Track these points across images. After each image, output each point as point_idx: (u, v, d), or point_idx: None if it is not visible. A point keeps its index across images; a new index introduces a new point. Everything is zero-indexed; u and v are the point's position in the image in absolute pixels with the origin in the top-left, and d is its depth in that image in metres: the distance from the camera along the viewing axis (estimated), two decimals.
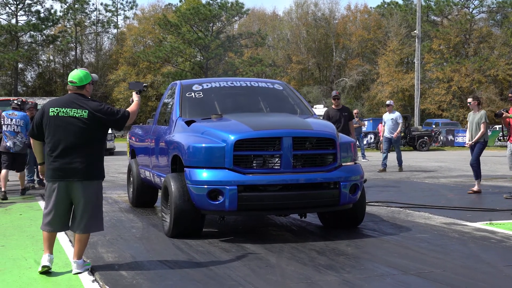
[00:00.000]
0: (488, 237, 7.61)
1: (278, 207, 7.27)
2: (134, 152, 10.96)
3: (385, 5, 71.26)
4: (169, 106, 9.20)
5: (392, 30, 63.30)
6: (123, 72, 67.47)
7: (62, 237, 7.68)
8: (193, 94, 8.88)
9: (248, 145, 7.09)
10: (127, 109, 6.22)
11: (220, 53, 58.64)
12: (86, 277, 5.73)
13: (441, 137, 38.57)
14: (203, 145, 7.18)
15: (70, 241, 7.44)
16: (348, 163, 7.61)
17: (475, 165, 12.25)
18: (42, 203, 10.95)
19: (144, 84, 6.99)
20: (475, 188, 12.27)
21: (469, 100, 12.74)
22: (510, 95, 11.62)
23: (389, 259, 6.40)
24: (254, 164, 7.12)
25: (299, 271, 5.87)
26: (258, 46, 63.76)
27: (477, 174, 12.28)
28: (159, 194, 9.77)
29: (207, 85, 9.04)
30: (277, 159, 7.12)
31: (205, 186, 7.00)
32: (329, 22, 71.44)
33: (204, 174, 7.06)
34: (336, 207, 7.44)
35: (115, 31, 79.84)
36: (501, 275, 5.77)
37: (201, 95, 8.89)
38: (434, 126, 43.76)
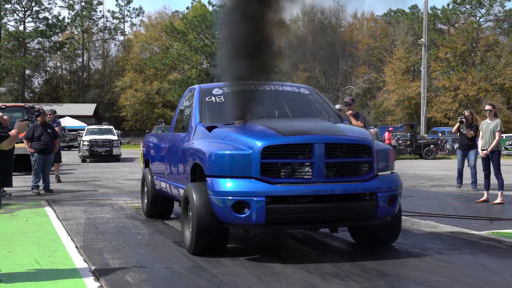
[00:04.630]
0: (494, 246, 7.59)
1: (309, 221, 6.63)
2: (148, 162, 10.41)
3: (392, 13, 71.34)
4: (187, 112, 8.63)
5: (398, 38, 63.33)
6: (129, 78, 67.75)
7: (68, 244, 7.71)
8: (213, 98, 8.30)
9: (277, 152, 6.50)
10: (10, 132, 6.24)
11: None
12: (92, 283, 5.74)
13: (447, 146, 38.50)
14: (227, 152, 6.60)
15: (76, 247, 7.46)
16: (385, 172, 7.00)
17: (500, 176, 12.07)
18: (48, 209, 10.99)
19: (36, 110, 7.00)
20: (499, 200, 11.91)
21: (488, 107, 12.46)
22: None
23: (395, 267, 6.39)
24: (282, 173, 6.53)
25: (304, 279, 5.86)
26: None
27: (501, 185, 12.09)
28: (175, 204, 9.67)
29: (228, 89, 8.30)
30: (308, 168, 6.52)
31: (230, 198, 6.39)
32: (336, 30, 71.51)
33: (228, 184, 6.45)
34: (374, 220, 6.80)
35: (122, 38, 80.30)
36: (507, 284, 5.75)
37: (222, 100, 8.28)
38: (440, 134, 43.69)
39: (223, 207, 6.44)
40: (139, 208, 11.12)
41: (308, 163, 6.51)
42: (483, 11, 63.90)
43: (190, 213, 6.89)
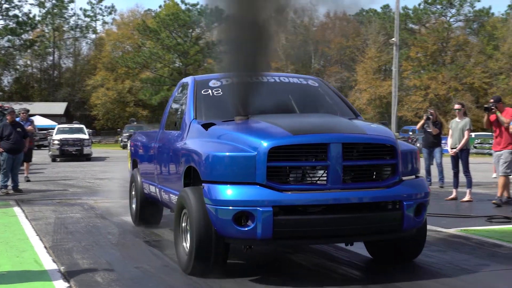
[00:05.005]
0: (462, 243, 7.69)
1: (324, 235, 5.67)
2: (136, 162, 9.43)
3: (364, 13, 71.84)
4: (180, 107, 7.66)
5: (370, 38, 63.78)
6: (101, 77, 67.20)
7: (37, 244, 7.62)
8: (210, 91, 7.31)
9: (286, 154, 5.56)
10: None
11: (199, 59, 58.69)
12: (61, 284, 5.67)
13: (418, 144, 38.86)
14: (227, 153, 5.66)
15: (45, 247, 7.38)
16: (410, 177, 6.12)
17: (468, 174, 12.26)
18: (17, 209, 10.85)
19: (2, 109, 6.85)
20: (467, 198, 12.11)
21: (458, 106, 12.72)
22: None
23: (366, 265, 6.43)
24: (292, 179, 5.60)
25: (277, 278, 5.87)
26: None
27: (470, 183, 12.27)
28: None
29: (227, 81, 7.33)
30: (322, 172, 5.59)
31: (230, 208, 5.44)
32: (308, 29, 71.75)
33: (228, 192, 5.50)
34: (398, 233, 5.88)
35: (93, 36, 79.58)
36: (475, 281, 5.83)
37: (220, 93, 7.28)
38: (411, 133, 44.09)
39: (222, 218, 5.49)
40: (110, 207, 11.07)
41: (322, 167, 5.59)
42: (453, 11, 64.61)
43: (187, 224, 5.99)
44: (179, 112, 7.64)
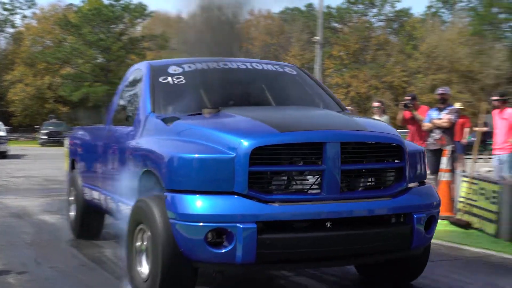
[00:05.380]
0: None
1: (321, 257, 4.63)
2: (75, 163, 8.16)
3: (288, 11, 72.75)
4: (133, 98, 6.39)
5: (294, 36, 64.63)
6: (19, 72, 65.32)
7: None
8: (170, 79, 6.09)
9: (273, 156, 4.48)
10: None
11: (122, 55, 57.91)
12: None
13: None
14: (197, 155, 4.50)
15: None
16: (417, 184, 5.16)
17: None
18: None
19: None
20: None
21: (377, 104, 12.92)
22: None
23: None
24: (280, 187, 4.54)
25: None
26: (161, 49, 63.49)
27: None
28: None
29: (189, 67, 6.26)
30: (316, 179, 4.55)
31: (201, 224, 4.30)
32: (232, 26, 71.92)
33: (199, 204, 4.36)
34: (406, 252, 4.92)
35: (12, 30, 77.19)
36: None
37: (182, 81, 6.10)
38: None
39: (191, 238, 4.35)
40: (26, 206, 10.82)
41: (316, 171, 4.55)
42: (375, 11, 66.31)
43: (143, 244, 4.85)
44: (131, 104, 6.36)
